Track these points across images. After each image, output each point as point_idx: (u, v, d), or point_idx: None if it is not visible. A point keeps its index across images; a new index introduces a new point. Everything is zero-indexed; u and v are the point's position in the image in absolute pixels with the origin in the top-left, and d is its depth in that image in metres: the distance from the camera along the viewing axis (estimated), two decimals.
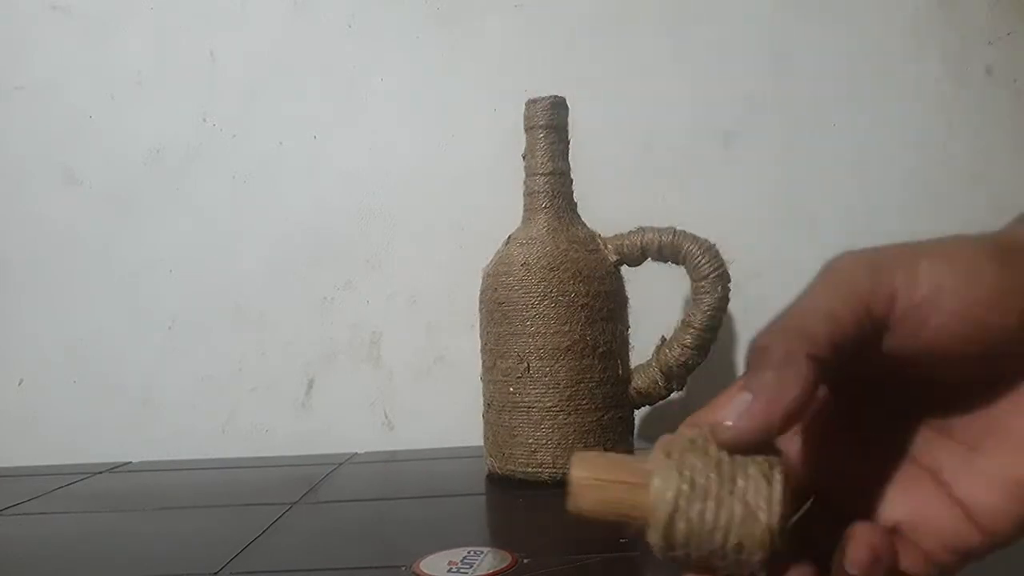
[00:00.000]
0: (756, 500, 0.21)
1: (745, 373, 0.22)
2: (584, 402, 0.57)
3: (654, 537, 0.21)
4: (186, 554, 0.46)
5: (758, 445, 0.21)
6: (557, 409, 0.57)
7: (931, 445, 0.24)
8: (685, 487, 0.21)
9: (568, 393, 0.57)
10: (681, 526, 0.21)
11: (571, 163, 0.62)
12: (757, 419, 0.21)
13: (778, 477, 0.21)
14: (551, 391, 0.57)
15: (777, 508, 0.21)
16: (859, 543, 0.22)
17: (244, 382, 0.80)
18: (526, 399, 0.58)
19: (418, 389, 0.79)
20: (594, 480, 0.22)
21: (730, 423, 0.21)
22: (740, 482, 0.21)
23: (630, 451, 0.61)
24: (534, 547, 0.42)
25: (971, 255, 0.22)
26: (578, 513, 0.22)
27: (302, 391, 0.80)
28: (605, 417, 0.58)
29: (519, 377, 0.58)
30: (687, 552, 0.21)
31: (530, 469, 0.58)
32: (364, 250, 0.80)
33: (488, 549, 0.42)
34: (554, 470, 0.57)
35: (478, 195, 0.78)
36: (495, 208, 0.66)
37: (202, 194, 0.80)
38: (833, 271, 0.22)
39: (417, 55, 0.81)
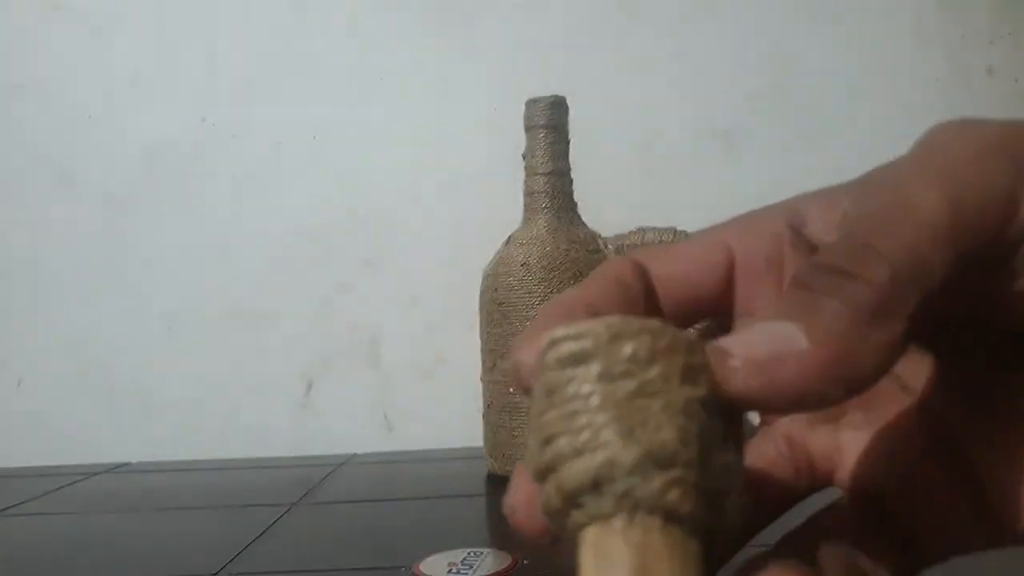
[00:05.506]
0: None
1: (792, 291, 0.15)
2: None
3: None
4: (185, 554, 0.46)
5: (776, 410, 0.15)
6: None
7: None
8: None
9: None
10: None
11: (571, 163, 0.62)
12: (806, 377, 0.14)
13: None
14: None
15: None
16: None
17: (244, 382, 0.79)
18: (526, 400, 0.57)
19: (418, 390, 0.79)
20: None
21: (744, 363, 0.14)
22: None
23: None
24: (534, 548, 0.42)
25: None
26: None
27: (302, 391, 0.80)
28: None
29: None
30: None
31: None
32: (364, 250, 0.80)
33: (488, 550, 0.42)
34: None
35: (478, 195, 0.78)
36: (495, 208, 0.66)
37: (202, 194, 0.80)
38: (943, 151, 0.15)
39: (417, 55, 0.81)
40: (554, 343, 0.15)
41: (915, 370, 0.19)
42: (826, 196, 0.19)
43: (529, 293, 0.58)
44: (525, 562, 0.40)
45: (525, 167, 0.62)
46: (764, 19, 0.81)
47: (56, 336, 0.80)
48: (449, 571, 0.39)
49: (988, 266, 0.15)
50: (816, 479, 0.19)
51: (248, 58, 0.81)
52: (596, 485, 0.14)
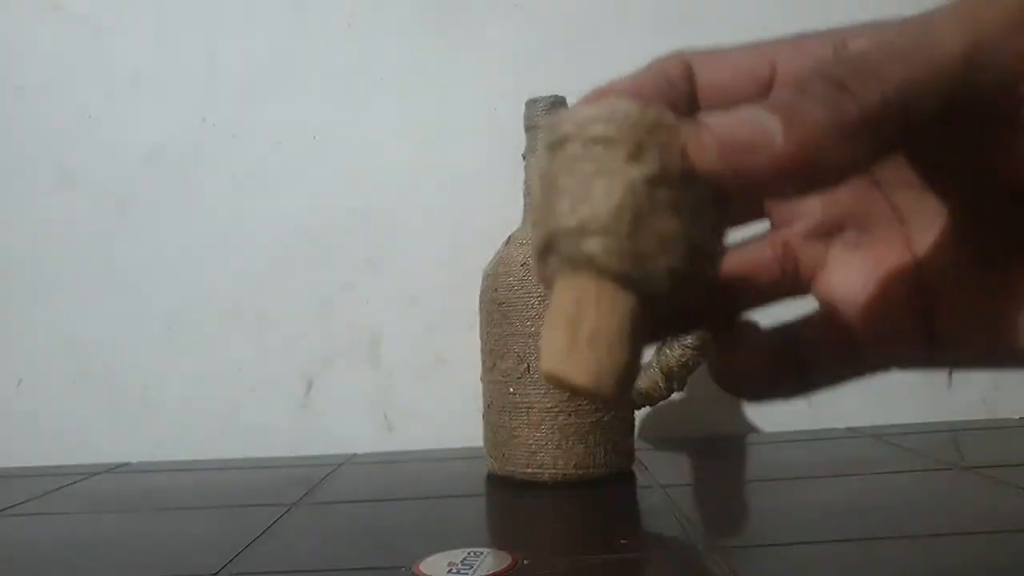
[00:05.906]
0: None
1: (785, 89, 0.16)
2: (584, 403, 0.57)
3: None
4: (185, 555, 0.46)
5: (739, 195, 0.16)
6: (557, 410, 0.57)
7: None
8: None
9: (568, 394, 0.57)
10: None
11: None
12: (769, 171, 0.15)
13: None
14: (551, 392, 0.57)
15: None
16: None
17: (244, 382, 0.79)
18: (526, 400, 0.57)
19: (418, 389, 0.79)
20: None
21: (718, 143, 0.15)
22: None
23: (631, 453, 0.61)
24: (534, 548, 0.42)
25: None
26: None
27: (302, 391, 0.80)
28: (605, 418, 0.58)
29: (519, 378, 0.58)
30: None
31: (530, 470, 0.57)
32: (364, 250, 0.80)
33: (488, 550, 0.42)
34: (554, 471, 0.57)
35: (478, 195, 0.78)
36: (495, 208, 0.66)
37: (202, 194, 0.80)
38: None
39: (417, 55, 0.81)
40: (552, 127, 0.18)
41: (915, 206, 0.19)
42: (875, 30, 0.19)
43: (529, 293, 0.58)
44: (525, 562, 0.40)
45: (525, 167, 0.62)
46: (763, 19, 0.81)
47: (56, 336, 0.80)
48: (449, 571, 0.39)
49: (1001, 120, 0.15)
50: (797, 285, 0.21)
51: (248, 58, 0.81)
52: (549, 247, 0.17)
